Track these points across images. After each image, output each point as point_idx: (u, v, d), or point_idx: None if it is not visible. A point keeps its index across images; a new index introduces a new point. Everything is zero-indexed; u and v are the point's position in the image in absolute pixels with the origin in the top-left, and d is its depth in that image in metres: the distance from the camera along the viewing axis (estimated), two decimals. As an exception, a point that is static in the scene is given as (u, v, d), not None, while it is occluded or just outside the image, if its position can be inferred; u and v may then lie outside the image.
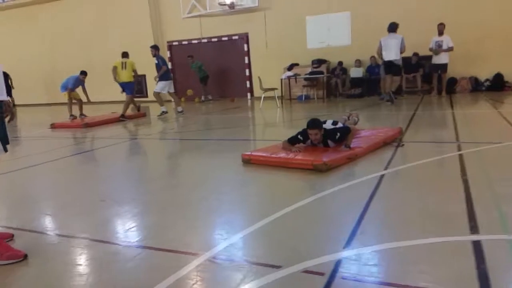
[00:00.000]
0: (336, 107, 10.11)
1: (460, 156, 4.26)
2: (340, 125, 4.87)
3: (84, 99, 10.51)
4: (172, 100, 10.89)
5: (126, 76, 9.88)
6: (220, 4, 13.23)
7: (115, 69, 9.92)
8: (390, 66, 9.34)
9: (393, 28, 9.24)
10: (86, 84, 10.53)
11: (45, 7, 16.21)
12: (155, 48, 10.15)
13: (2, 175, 4.55)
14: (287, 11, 12.77)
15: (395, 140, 5.06)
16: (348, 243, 2.35)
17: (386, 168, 3.92)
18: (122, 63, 9.90)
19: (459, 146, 4.74)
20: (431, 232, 2.41)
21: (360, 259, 2.16)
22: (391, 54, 9.20)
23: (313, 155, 4.17)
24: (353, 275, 2.01)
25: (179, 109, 10.33)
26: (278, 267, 2.12)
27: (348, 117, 5.75)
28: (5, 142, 2.47)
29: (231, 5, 13.10)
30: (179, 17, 14.12)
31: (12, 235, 2.71)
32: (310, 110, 9.57)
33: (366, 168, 3.94)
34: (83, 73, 10.31)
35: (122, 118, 9.63)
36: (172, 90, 10.28)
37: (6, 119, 2.64)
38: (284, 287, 1.97)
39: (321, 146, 4.56)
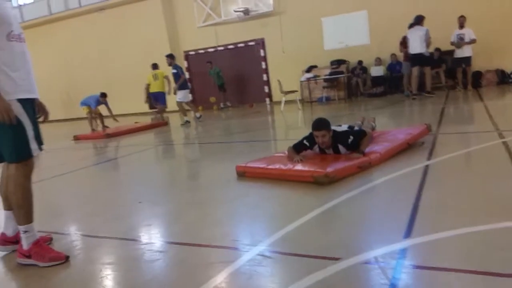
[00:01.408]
0: (358, 106, 9.91)
1: (504, 143, 4.04)
2: (356, 129, 4.24)
3: (104, 113, 10.60)
4: (190, 108, 10.88)
5: (158, 86, 10.25)
6: (235, 11, 13.23)
7: (147, 87, 10.35)
8: (417, 59, 9.16)
9: (417, 20, 9.10)
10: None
11: (61, 25, 16.48)
12: (170, 57, 10.15)
13: (34, 183, 4.50)
14: (302, 13, 12.68)
15: (419, 141, 4.40)
16: (408, 232, 2.18)
17: (429, 159, 3.73)
18: (153, 75, 10.25)
19: (500, 134, 4.52)
20: (501, 217, 2.22)
21: (426, 247, 2.00)
22: (417, 47, 9.04)
23: (316, 165, 3.50)
24: (422, 264, 1.85)
25: (197, 115, 10.39)
26: (337, 259, 1.96)
27: (362, 122, 5.01)
28: (40, 141, 2.39)
29: (246, 11, 13.09)
30: (194, 26, 14.18)
31: (51, 238, 2.63)
32: (332, 111, 9.39)
33: (409, 160, 3.74)
34: (103, 95, 10.29)
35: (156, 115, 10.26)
36: (189, 99, 10.34)
37: (40, 119, 2.58)
38: (348, 278, 1.81)
39: (331, 153, 3.88)
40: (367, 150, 3.77)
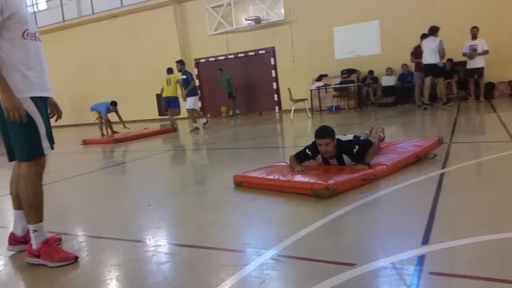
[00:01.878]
0: (368, 116, 9.82)
1: (521, 153, 3.95)
2: (362, 139, 3.99)
3: (113, 119, 10.62)
4: (196, 114, 10.89)
5: (171, 91, 10.31)
6: (247, 20, 13.29)
7: (162, 90, 10.42)
8: (429, 69, 9.12)
9: (432, 31, 9.07)
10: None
11: (74, 31, 16.67)
12: (181, 63, 10.22)
13: (44, 185, 4.50)
14: (314, 23, 12.70)
15: (431, 154, 4.13)
16: (425, 239, 2.12)
17: (443, 167, 3.65)
18: (167, 79, 10.31)
19: (516, 144, 4.44)
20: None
21: (444, 254, 1.93)
22: (430, 57, 9.00)
23: (317, 176, 3.26)
24: (441, 271, 1.78)
25: (204, 120, 10.45)
26: (352, 265, 1.91)
27: (371, 132, 4.78)
28: (51, 140, 2.38)
29: (257, 20, 13.14)
30: (205, 34, 14.25)
31: (60, 238, 2.60)
32: (342, 120, 9.34)
33: (420, 171, 3.58)
34: (113, 103, 10.23)
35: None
36: (198, 106, 10.38)
37: (53, 118, 2.57)
38: (365, 284, 1.75)
39: (335, 164, 3.65)
40: (373, 161, 3.55)
